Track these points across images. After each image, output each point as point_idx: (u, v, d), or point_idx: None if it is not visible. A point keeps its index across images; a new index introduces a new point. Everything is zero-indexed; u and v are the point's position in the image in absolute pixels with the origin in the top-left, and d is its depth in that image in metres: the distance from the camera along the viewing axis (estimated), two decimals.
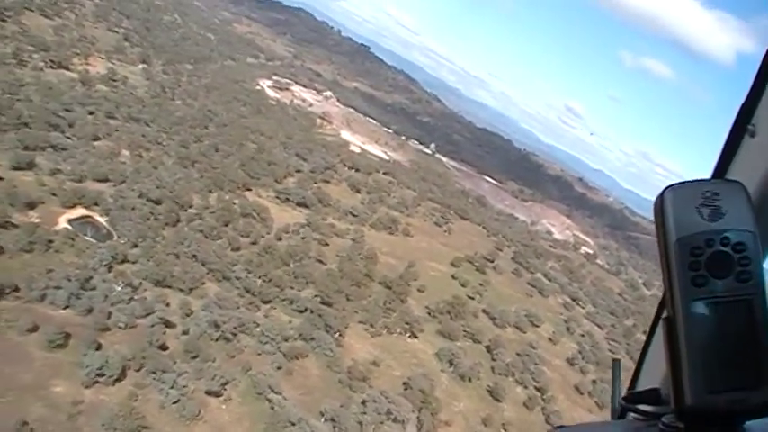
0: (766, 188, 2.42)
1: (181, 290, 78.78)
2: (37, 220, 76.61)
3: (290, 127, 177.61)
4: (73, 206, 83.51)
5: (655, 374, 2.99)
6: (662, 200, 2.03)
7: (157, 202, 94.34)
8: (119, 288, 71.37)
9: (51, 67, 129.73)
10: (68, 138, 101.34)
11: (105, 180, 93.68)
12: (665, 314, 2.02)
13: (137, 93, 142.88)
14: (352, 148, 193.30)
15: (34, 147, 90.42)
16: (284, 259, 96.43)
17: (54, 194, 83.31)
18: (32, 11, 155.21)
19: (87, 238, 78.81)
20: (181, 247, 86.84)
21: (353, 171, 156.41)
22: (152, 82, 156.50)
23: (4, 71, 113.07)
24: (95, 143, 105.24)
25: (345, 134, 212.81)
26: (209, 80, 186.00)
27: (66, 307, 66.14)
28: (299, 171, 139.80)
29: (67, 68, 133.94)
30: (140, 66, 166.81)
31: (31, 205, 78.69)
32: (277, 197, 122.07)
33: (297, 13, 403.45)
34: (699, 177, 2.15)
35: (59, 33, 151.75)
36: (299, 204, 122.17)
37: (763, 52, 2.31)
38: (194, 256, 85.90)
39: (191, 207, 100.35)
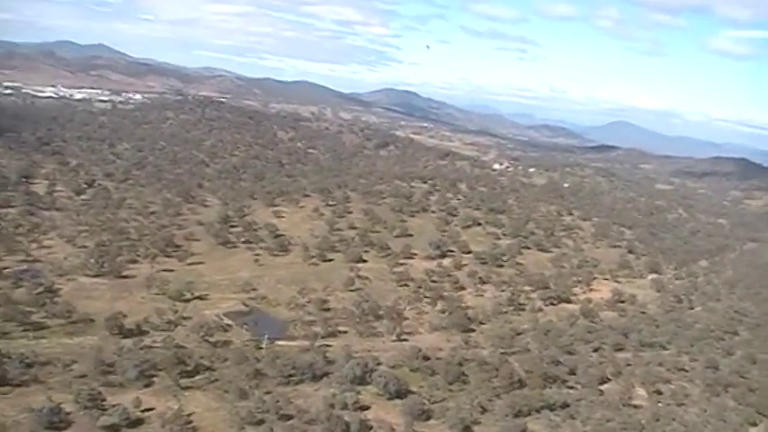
0: None
1: None
2: None
3: None
4: None
5: None
6: None
7: None
8: None
9: (552, 304, 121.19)
10: (569, 388, 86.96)
11: None
12: None
13: (648, 311, 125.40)
14: None
15: (528, 410, 77.69)
16: None
17: None
18: (529, 248, 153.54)
19: None
20: None
21: None
22: (664, 293, 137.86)
23: (499, 322, 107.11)
24: (602, 387, 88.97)
25: None
26: (730, 273, 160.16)
27: None
28: None
29: (568, 301, 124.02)
30: (649, 277, 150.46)
31: None
32: None
33: None
34: None
35: (558, 264, 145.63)
36: None
37: None
38: None
39: None
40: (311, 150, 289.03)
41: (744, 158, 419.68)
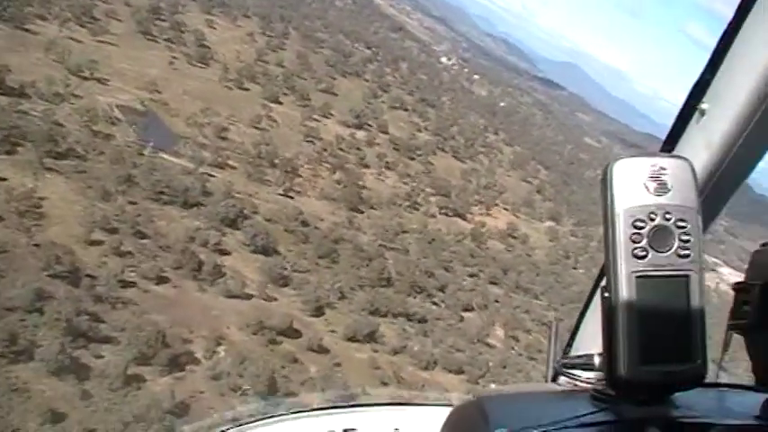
0: (711, 167, 2.50)
1: None
2: None
3: None
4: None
5: (592, 340, 3.02)
6: (609, 171, 1.91)
7: None
8: None
9: (446, 215, 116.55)
10: (434, 304, 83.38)
11: (459, 372, 72.38)
12: (603, 283, 1.95)
13: (534, 255, 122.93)
14: None
15: (385, 312, 73.28)
16: None
17: (385, 384, 64.09)
18: (445, 151, 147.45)
19: None
20: None
21: None
22: (555, 243, 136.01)
23: (390, 213, 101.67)
24: (464, 314, 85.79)
25: None
26: None
27: None
28: None
29: (463, 217, 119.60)
30: (547, 223, 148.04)
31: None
32: None
33: None
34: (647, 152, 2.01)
35: (467, 178, 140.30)
36: None
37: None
38: None
39: None
40: None
41: None
